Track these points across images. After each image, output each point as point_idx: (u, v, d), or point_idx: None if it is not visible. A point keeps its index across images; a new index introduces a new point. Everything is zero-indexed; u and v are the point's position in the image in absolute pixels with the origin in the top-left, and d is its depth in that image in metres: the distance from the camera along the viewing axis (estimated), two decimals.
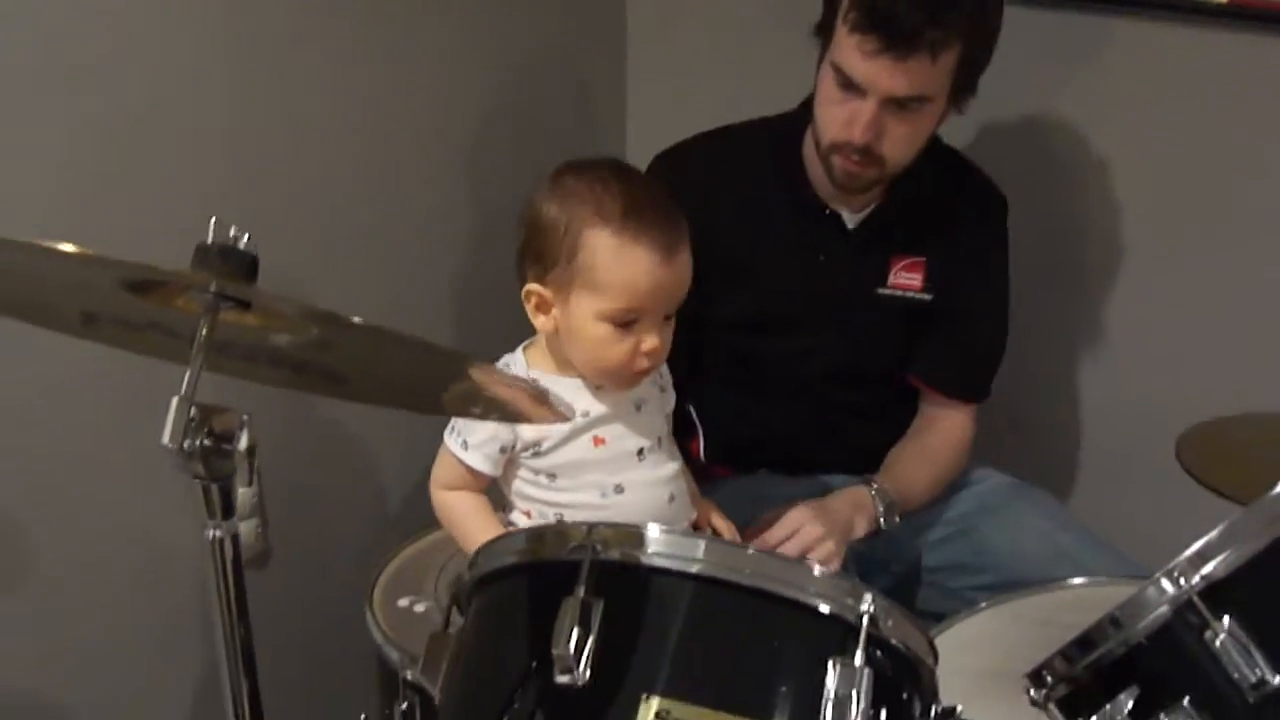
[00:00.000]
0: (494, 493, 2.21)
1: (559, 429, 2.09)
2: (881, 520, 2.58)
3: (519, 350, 2.19)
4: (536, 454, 2.13)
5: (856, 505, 2.56)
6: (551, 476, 2.14)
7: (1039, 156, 3.22)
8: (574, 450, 2.13)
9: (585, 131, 3.50)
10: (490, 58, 3.16)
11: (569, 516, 2.12)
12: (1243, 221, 3.03)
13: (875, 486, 2.62)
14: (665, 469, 2.22)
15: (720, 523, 2.34)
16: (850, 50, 2.41)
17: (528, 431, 2.10)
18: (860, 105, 2.45)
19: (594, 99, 3.57)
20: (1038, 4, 3.07)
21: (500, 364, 2.16)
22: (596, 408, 2.13)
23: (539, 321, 2.12)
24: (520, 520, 2.18)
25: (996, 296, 2.82)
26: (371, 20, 2.82)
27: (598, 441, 2.14)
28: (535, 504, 2.17)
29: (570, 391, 2.11)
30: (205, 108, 2.53)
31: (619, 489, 2.15)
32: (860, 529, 2.53)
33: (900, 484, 2.66)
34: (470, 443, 2.13)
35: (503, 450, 2.13)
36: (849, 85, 2.45)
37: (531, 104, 3.31)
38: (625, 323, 2.05)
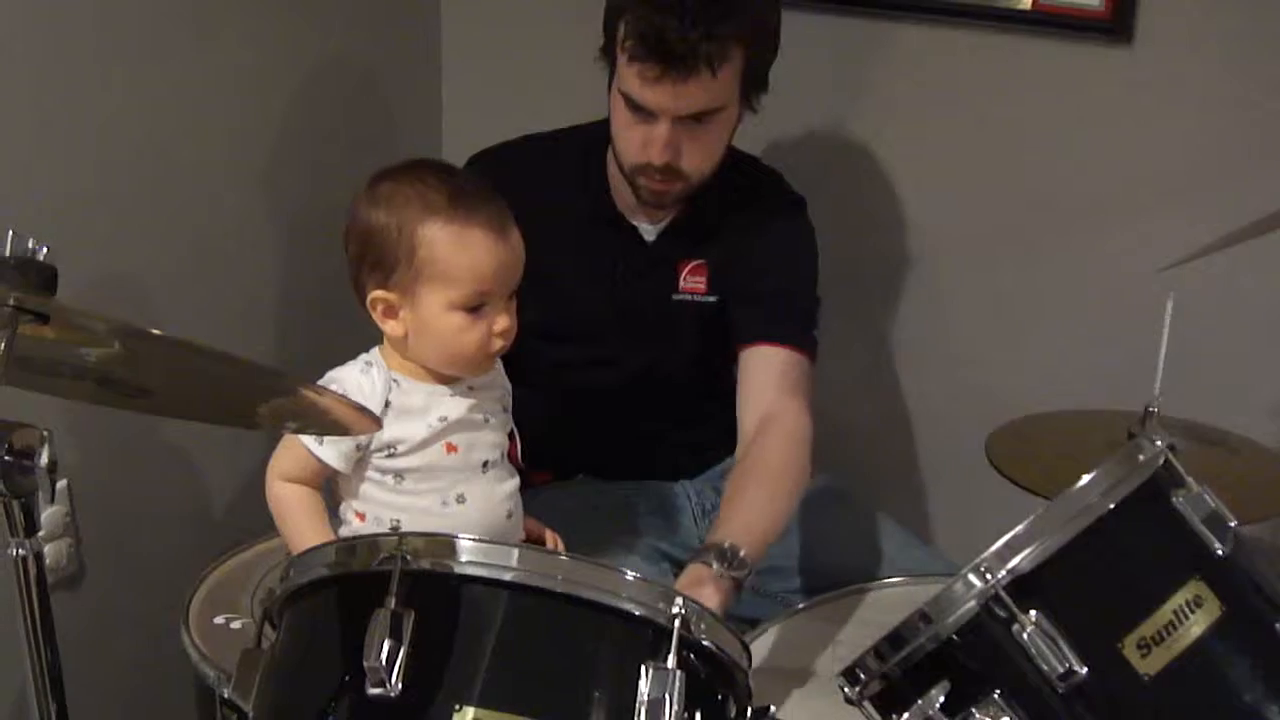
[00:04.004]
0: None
1: (417, 433, 2.09)
2: (731, 580, 2.30)
3: (375, 350, 2.16)
4: (391, 455, 2.11)
5: (696, 582, 2.28)
6: (399, 478, 2.12)
7: (845, 162, 3.26)
8: (428, 455, 2.12)
9: (399, 139, 3.47)
10: (302, 61, 3.13)
11: (408, 521, 2.11)
12: (1048, 223, 3.09)
13: (713, 555, 2.30)
14: (506, 485, 2.21)
15: (547, 535, 2.32)
16: (632, 78, 2.44)
17: (386, 431, 2.09)
18: (653, 128, 2.47)
19: (408, 105, 3.55)
20: (840, 11, 3.12)
21: (360, 362, 2.14)
22: (454, 413, 2.12)
23: (389, 327, 2.10)
24: (352, 521, 2.15)
25: (801, 261, 2.75)
26: (179, 24, 2.78)
27: (450, 448, 2.13)
28: (376, 506, 2.14)
29: (430, 397, 2.12)
30: (1, 114, 2.48)
31: (461, 499, 2.14)
32: (712, 600, 2.27)
33: (742, 535, 2.37)
34: (326, 437, 2.11)
35: (359, 447, 2.10)
36: (639, 110, 2.47)
37: (345, 109, 3.29)
38: (475, 308, 2.07)
